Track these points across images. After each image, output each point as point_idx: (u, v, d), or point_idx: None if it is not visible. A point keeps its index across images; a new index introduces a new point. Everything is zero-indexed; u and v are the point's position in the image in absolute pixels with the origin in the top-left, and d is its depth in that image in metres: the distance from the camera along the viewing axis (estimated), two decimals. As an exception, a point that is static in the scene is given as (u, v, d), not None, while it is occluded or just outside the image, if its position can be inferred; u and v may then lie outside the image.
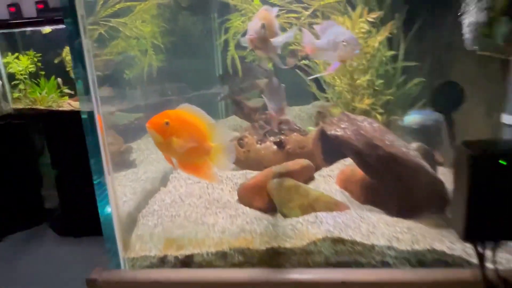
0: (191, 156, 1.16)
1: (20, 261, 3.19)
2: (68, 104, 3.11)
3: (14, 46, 3.17)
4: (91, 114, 1.33)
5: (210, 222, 1.51)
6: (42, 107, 3.10)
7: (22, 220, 3.63)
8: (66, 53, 3.06)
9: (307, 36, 1.38)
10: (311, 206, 1.52)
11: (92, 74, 1.32)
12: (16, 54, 3.09)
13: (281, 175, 1.68)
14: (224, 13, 2.21)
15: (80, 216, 3.43)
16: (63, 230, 3.51)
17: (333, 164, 1.94)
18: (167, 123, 1.08)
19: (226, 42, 2.22)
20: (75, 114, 3.12)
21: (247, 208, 1.62)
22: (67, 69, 3.09)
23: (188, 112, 1.14)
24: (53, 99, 3.14)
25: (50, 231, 3.57)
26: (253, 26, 1.29)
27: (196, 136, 1.14)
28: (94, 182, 1.38)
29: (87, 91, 1.31)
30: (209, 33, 2.62)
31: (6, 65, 3.08)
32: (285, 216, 1.55)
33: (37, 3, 3.52)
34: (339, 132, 1.59)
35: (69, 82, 3.15)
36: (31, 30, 3.13)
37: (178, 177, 1.99)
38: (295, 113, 2.72)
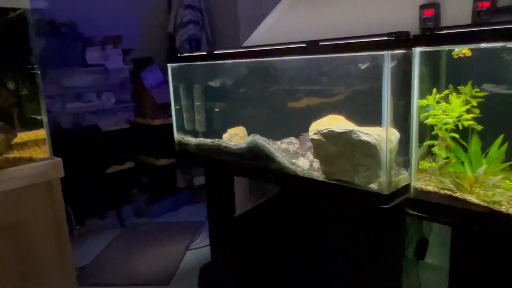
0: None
1: None
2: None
3: (435, 73, 1.73)
4: None
5: None
6: (478, 202, 1.50)
7: None
8: None
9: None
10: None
11: None
12: (446, 91, 1.63)
13: None
14: None
15: None
16: None
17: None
18: None
19: None
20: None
21: None
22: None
23: None
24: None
25: None
26: None
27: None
28: None
29: None
30: None
31: (421, 110, 1.66)
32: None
33: (476, 0, 1.99)
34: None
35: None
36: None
37: None
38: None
